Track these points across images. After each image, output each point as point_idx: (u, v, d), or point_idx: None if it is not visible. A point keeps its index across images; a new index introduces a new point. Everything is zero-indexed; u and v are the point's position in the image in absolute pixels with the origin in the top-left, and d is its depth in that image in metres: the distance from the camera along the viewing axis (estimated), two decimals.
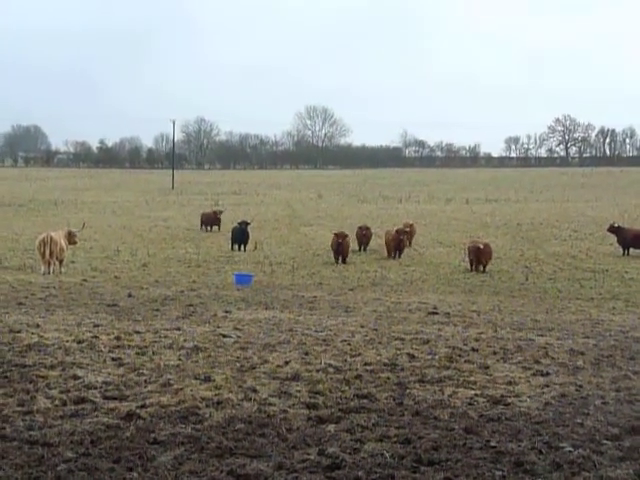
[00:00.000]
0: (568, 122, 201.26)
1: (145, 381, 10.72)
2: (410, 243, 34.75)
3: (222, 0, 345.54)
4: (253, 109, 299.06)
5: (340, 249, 29.84)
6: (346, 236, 30.17)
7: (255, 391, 10.30)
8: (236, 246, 34.40)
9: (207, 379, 10.85)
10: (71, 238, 26.84)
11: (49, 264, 24.93)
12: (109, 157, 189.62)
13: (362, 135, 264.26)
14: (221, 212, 46.40)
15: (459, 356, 12.81)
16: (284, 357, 12.47)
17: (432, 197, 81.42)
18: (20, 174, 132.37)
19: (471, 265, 27.83)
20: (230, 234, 35.73)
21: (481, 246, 28.07)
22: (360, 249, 33.84)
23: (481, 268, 27.50)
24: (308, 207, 65.70)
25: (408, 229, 34.00)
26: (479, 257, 27.55)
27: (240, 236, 34.55)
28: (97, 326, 14.90)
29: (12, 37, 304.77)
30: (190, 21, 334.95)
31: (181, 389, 10.30)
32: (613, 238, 34.45)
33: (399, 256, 31.49)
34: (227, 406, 9.59)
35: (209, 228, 44.73)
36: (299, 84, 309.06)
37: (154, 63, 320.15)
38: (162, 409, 9.38)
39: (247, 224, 35.05)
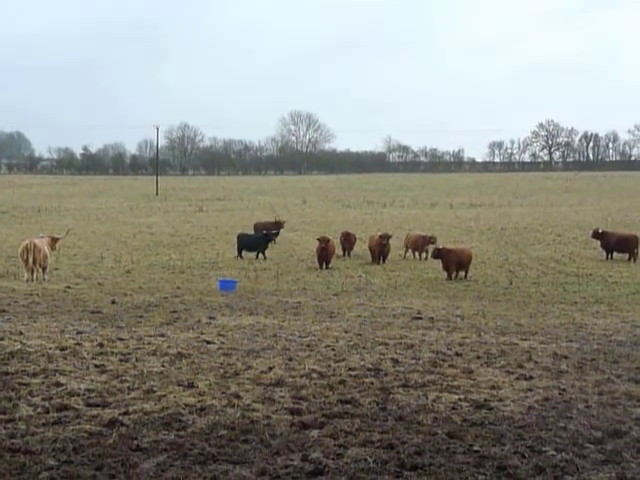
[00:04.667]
0: (551, 127, 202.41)
1: (128, 388, 10.69)
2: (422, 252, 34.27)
3: (216, 6, 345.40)
4: (237, 115, 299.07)
5: (323, 254, 29.81)
6: (329, 241, 30.15)
7: (239, 397, 10.28)
8: (245, 253, 33.34)
9: (190, 385, 10.83)
10: (53, 244, 26.72)
11: (32, 271, 24.79)
12: (93, 163, 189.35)
13: (346, 141, 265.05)
14: (284, 222, 41.85)
15: (443, 361, 12.83)
16: (268, 363, 12.46)
17: (416, 202, 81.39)
18: (3, 181, 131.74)
19: (446, 271, 27.06)
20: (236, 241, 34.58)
21: (440, 246, 27.69)
22: (344, 254, 33.86)
23: (454, 273, 26.81)
24: (293, 213, 65.58)
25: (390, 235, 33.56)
26: (441, 258, 26.97)
27: (261, 242, 33.68)
28: (80, 333, 14.85)
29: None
30: (178, 27, 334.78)
31: (164, 396, 10.27)
32: (597, 242, 34.59)
33: (383, 261, 31.51)
34: (210, 412, 9.57)
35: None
36: (283, 91, 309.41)
37: (142, 69, 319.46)
38: (145, 416, 9.35)
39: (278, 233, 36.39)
